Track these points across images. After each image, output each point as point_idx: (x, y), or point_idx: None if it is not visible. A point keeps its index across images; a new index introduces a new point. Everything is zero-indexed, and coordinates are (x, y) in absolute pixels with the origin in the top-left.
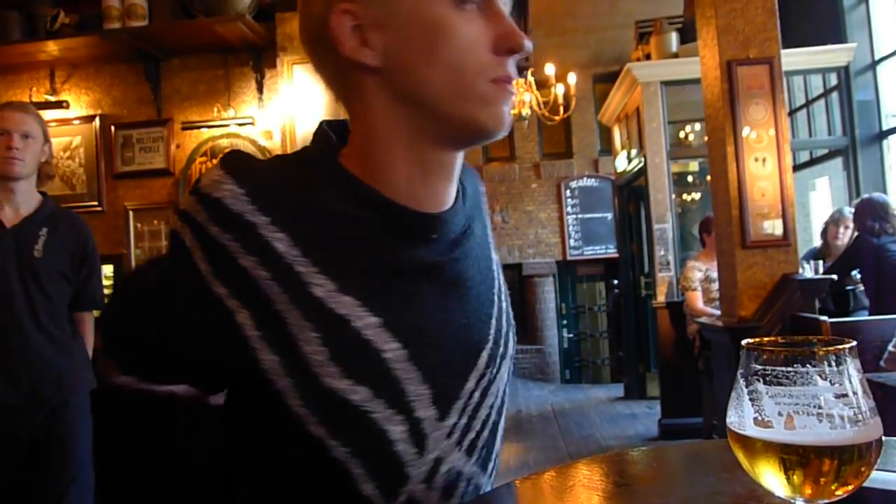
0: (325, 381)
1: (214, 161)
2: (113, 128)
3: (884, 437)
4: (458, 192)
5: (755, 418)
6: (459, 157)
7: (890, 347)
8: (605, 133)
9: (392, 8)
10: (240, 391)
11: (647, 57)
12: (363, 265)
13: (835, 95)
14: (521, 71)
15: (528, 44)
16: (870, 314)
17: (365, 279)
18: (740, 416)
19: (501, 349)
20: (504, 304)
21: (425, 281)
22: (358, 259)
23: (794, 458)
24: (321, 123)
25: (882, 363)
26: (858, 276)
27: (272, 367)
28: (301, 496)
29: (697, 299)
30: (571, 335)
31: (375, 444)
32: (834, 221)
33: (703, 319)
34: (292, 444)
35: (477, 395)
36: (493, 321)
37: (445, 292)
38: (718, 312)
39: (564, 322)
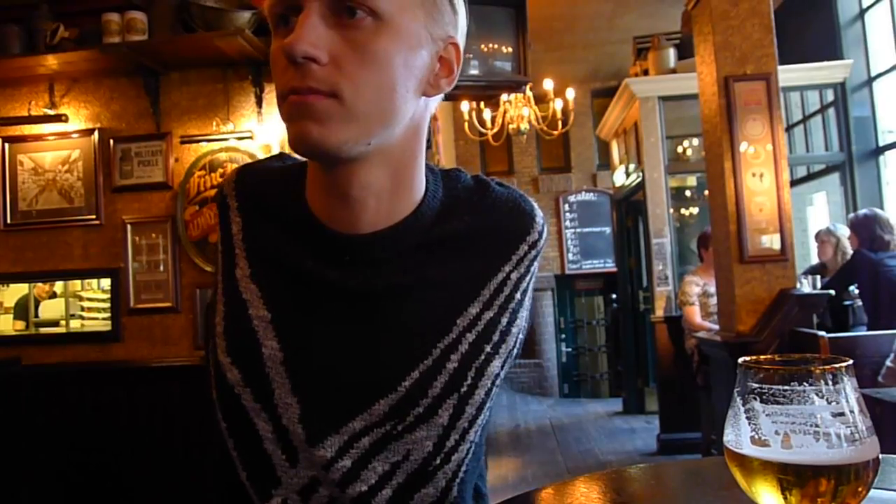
0: (217, 350)
1: (213, 175)
2: (112, 141)
3: (882, 456)
4: (419, 215)
5: (752, 437)
6: (352, 178)
7: (888, 363)
8: (604, 148)
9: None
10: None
11: (645, 72)
12: (279, 264)
13: (831, 111)
14: (521, 85)
15: (297, 45)
16: (868, 329)
17: (274, 276)
18: (737, 435)
19: (422, 410)
20: (456, 368)
21: (331, 300)
22: (278, 258)
23: (791, 477)
24: None
25: (880, 379)
26: (857, 291)
27: (217, 317)
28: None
29: (695, 314)
30: (570, 349)
31: (245, 431)
32: (818, 239)
33: (701, 334)
34: (223, 392)
35: (366, 441)
36: (416, 373)
37: (353, 320)
38: (717, 327)
39: (563, 336)
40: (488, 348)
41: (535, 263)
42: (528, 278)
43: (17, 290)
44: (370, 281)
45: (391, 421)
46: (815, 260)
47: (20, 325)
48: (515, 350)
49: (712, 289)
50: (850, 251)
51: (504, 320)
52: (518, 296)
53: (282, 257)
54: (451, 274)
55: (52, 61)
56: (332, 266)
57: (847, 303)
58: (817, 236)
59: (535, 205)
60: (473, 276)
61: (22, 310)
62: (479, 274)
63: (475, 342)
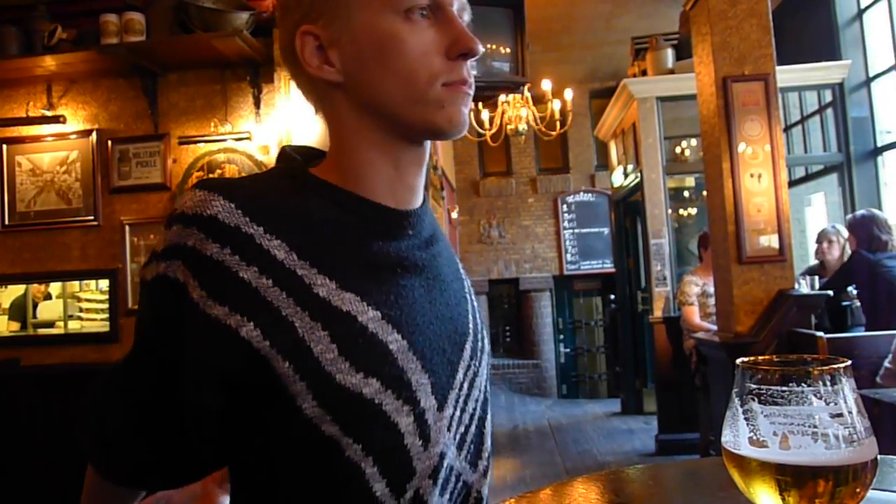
0: (338, 377)
1: (211, 176)
2: (110, 142)
3: (881, 456)
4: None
5: (750, 438)
6: (428, 147)
7: (886, 363)
8: (602, 148)
9: (346, 27)
10: (241, 410)
11: (644, 73)
12: (354, 263)
13: (830, 112)
14: (519, 86)
15: (478, 47)
16: (866, 330)
17: (359, 276)
18: (735, 436)
19: (480, 343)
20: (475, 304)
21: (410, 275)
22: (349, 258)
23: (789, 478)
24: (283, 148)
25: (878, 379)
26: (855, 292)
27: (285, 372)
28: (313, 500)
29: (694, 314)
30: (568, 350)
31: (387, 438)
32: (818, 240)
33: (699, 335)
34: (303, 449)
35: (465, 386)
36: (470, 316)
37: (429, 286)
38: (715, 327)
39: (561, 337)
40: (471, 290)
41: None
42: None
43: (13, 291)
44: (430, 248)
45: (473, 361)
46: (813, 260)
47: (15, 325)
48: None
49: (711, 289)
50: (849, 252)
51: (460, 263)
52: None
53: (357, 252)
54: (441, 235)
55: (49, 62)
56: (398, 241)
57: (845, 303)
58: (824, 236)
59: None
60: (444, 237)
61: (17, 311)
62: (444, 237)
63: (468, 286)
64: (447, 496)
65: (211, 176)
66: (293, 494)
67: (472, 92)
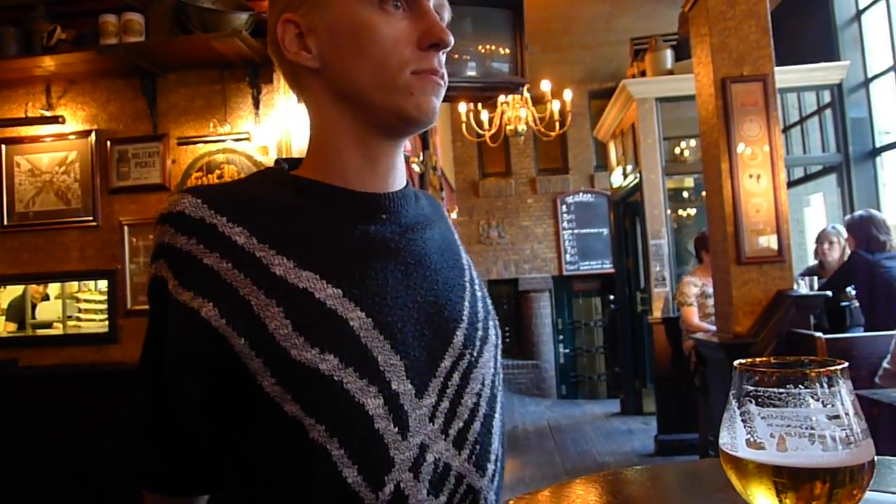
0: (293, 353)
1: (211, 176)
2: (109, 143)
3: (878, 457)
4: (409, 188)
5: (747, 440)
6: (401, 143)
7: (885, 364)
8: (601, 149)
9: (323, 15)
10: (218, 400)
11: (643, 74)
12: (318, 246)
13: (828, 112)
14: (518, 87)
15: (449, 38)
16: (865, 331)
17: (321, 257)
18: (732, 438)
19: (481, 332)
20: (480, 294)
21: (383, 258)
22: (313, 241)
23: (787, 480)
24: (276, 160)
25: (877, 380)
26: (854, 292)
27: (242, 349)
28: (286, 492)
29: (693, 314)
30: (567, 350)
31: (352, 419)
32: (819, 241)
33: (698, 335)
34: (269, 431)
35: (457, 376)
36: (467, 303)
37: (407, 270)
38: (714, 328)
39: (560, 337)
40: (477, 280)
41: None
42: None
43: (12, 292)
44: (413, 233)
45: (468, 350)
46: (812, 261)
47: (12, 326)
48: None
49: (711, 290)
50: (848, 252)
51: (466, 256)
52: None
53: (320, 235)
54: (441, 228)
55: (48, 63)
56: (370, 223)
57: (844, 304)
58: (825, 237)
59: None
60: (447, 233)
61: (15, 312)
62: (449, 232)
63: (478, 277)
64: (444, 498)
65: (210, 177)
66: (266, 481)
67: (443, 83)
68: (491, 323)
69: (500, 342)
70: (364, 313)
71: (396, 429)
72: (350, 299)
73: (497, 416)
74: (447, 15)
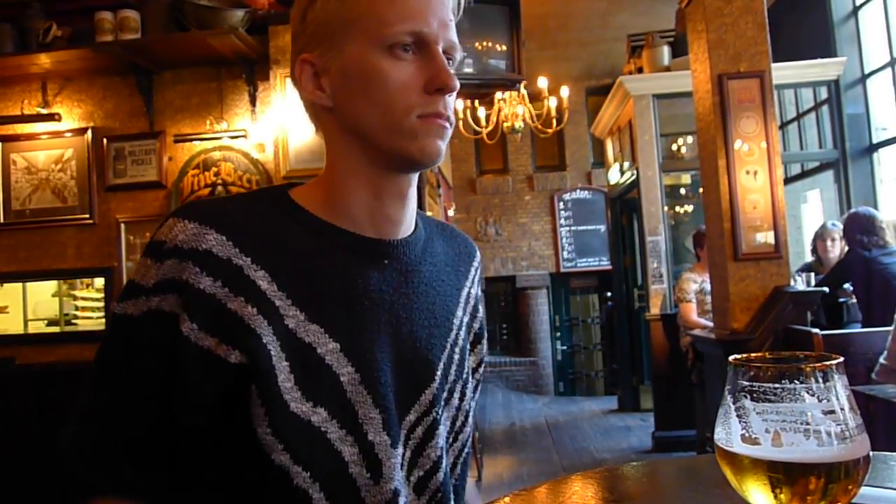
0: (291, 405)
1: (207, 174)
2: (105, 140)
3: (873, 452)
4: (424, 231)
5: (742, 435)
6: (411, 180)
7: (881, 360)
8: (598, 146)
9: (337, 58)
10: (212, 436)
11: (640, 70)
12: (326, 293)
13: (825, 109)
14: (515, 84)
15: (454, 83)
16: (861, 327)
17: (328, 306)
18: (728, 433)
19: (452, 395)
20: (458, 357)
21: (379, 310)
22: (322, 288)
23: (782, 475)
24: (286, 185)
25: (874, 376)
26: (850, 288)
27: (252, 395)
28: None
29: (692, 311)
30: (565, 347)
31: (332, 465)
32: (820, 237)
33: (695, 332)
34: (259, 475)
35: (420, 430)
36: (441, 366)
37: (398, 324)
38: (711, 324)
39: (558, 334)
40: (468, 344)
41: (479, 279)
42: (477, 291)
43: (10, 290)
44: (405, 282)
45: (434, 408)
46: (809, 257)
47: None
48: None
49: (709, 286)
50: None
51: (475, 324)
52: (473, 303)
53: (329, 284)
54: (441, 282)
55: (44, 60)
56: (373, 269)
57: (841, 300)
58: (827, 234)
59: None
60: (453, 286)
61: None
62: (456, 285)
63: (464, 339)
64: None
65: (206, 174)
66: None
67: (448, 125)
68: (462, 388)
69: (469, 406)
70: (354, 368)
71: (369, 475)
72: (345, 355)
73: (461, 461)
74: (458, 55)
